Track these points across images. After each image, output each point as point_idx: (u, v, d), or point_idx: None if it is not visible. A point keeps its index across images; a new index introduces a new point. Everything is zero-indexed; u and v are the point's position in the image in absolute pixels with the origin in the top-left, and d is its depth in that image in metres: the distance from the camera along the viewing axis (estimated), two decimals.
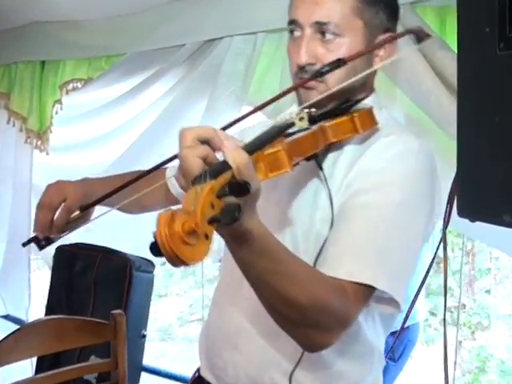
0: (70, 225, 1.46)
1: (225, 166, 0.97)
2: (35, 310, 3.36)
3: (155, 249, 0.83)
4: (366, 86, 1.38)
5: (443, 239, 1.48)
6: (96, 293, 2.63)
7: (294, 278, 1.10)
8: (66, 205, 1.44)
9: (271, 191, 1.36)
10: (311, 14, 1.29)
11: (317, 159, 1.30)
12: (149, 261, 2.68)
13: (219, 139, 1.02)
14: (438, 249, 1.50)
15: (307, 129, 1.19)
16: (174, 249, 0.81)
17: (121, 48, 2.82)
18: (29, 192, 3.18)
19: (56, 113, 3.05)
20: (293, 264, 1.12)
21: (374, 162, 1.27)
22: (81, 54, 2.96)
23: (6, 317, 3.49)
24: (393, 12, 1.36)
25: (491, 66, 1.28)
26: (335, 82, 1.28)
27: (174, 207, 0.86)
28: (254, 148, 1.05)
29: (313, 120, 1.22)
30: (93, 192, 1.48)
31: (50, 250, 2.55)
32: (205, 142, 1.02)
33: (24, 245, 1.47)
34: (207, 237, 0.86)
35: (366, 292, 1.18)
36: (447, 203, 1.46)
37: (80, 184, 1.52)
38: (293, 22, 1.33)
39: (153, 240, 0.82)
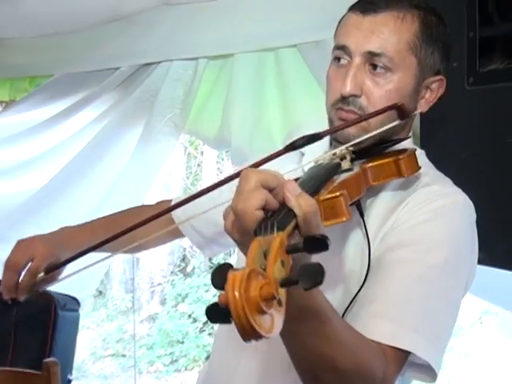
0: (37, 286, 1.47)
1: (290, 214, 0.90)
2: None
3: (220, 314, 0.72)
4: (406, 127, 1.37)
5: None
6: (16, 336, 2.56)
7: (339, 341, 1.04)
8: (32, 267, 1.45)
9: None
10: (365, 42, 1.27)
11: (358, 205, 1.25)
12: (74, 298, 2.64)
13: (281, 184, 0.95)
14: None
15: (350, 169, 1.17)
16: (250, 318, 0.70)
17: (47, 69, 2.80)
18: None
19: None
20: (337, 325, 1.05)
21: (416, 214, 1.24)
22: (1, 74, 2.91)
23: None
24: (447, 54, 1.35)
25: (460, 100, 1.36)
26: (377, 120, 1.27)
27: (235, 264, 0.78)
28: (311, 192, 0.98)
29: (352, 159, 1.21)
30: (62, 252, 1.48)
31: None
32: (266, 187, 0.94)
33: None
34: (281, 303, 0.76)
35: (404, 357, 1.17)
36: None
37: (50, 241, 1.51)
38: (341, 48, 1.30)
39: (218, 302, 0.72)
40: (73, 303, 2.62)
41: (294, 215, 0.90)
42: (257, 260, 0.77)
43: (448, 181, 1.35)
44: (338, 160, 1.18)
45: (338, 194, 1.01)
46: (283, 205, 0.91)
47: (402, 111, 1.26)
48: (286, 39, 2.21)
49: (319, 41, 2.10)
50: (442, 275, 1.20)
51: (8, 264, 1.45)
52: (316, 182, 1.05)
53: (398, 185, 1.30)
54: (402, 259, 1.20)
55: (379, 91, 1.27)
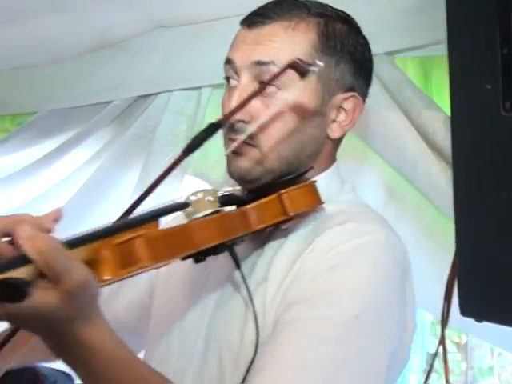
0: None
1: (23, 258, 0.93)
2: None
3: None
4: (319, 157, 1.32)
5: (442, 342, 1.47)
6: None
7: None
8: None
9: (196, 295, 1.32)
10: (251, 54, 1.25)
11: (232, 253, 1.20)
12: (67, 374, 2.58)
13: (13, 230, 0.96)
14: (435, 355, 1.49)
15: (217, 212, 1.15)
16: None
17: (30, 105, 2.80)
18: None
19: None
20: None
21: (322, 260, 1.17)
22: None
23: None
24: (361, 67, 1.33)
25: (495, 130, 1.29)
26: (271, 148, 1.24)
27: None
28: (101, 233, 1.01)
29: (238, 201, 1.19)
30: None
31: None
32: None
33: None
34: None
35: None
36: (445, 298, 1.45)
37: None
38: (228, 63, 1.30)
39: None
40: (65, 379, 2.57)
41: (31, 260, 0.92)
42: None
43: (373, 219, 1.27)
44: (189, 201, 1.14)
45: (134, 235, 1.01)
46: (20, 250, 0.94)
47: (297, 68, 1.19)
48: None
49: None
50: (353, 334, 1.12)
51: None
52: (118, 225, 1.05)
53: (309, 226, 1.25)
54: (300, 317, 1.12)
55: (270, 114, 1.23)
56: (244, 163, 1.25)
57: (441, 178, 1.81)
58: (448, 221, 1.76)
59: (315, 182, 1.23)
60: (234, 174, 1.28)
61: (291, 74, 1.20)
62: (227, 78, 1.31)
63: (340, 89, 1.29)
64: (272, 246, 1.26)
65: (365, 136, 2.00)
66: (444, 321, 1.46)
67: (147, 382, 1.06)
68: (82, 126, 2.69)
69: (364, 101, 1.34)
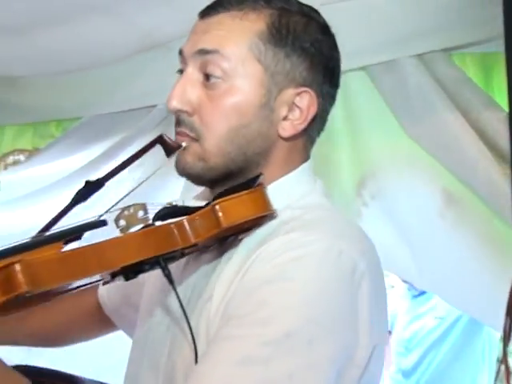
0: None
1: None
2: None
3: None
4: (272, 158, 1.27)
5: (504, 360, 1.41)
6: None
7: None
8: None
9: (163, 303, 1.30)
10: (197, 42, 1.23)
11: (164, 270, 1.15)
12: None
13: None
14: (497, 374, 1.44)
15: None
16: None
17: (74, 111, 2.80)
18: None
19: None
20: None
21: (258, 273, 1.12)
22: (23, 119, 2.94)
23: None
24: (319, 63, 1.27)
25: None
26: (212, 143, 1.21)
27: None
28: None
29: (177, 214, 1.17)
30: None
31: None
32: None
33: None
34: None
35: None
36: (507, 313, 1.40)
37: None
38: (180, 54, 1.28)
39: None
40: None
41: None
42: None
43: (324, 226, 1.20)
44: (104, 218, 1.16)
45: (9, 262, 1.02)
46: None
47: (165, 145, 1.21)
48: (352, 61, 2.13)
49: (388, 61, 2.02)
50: (284, 353, 1.05)
51: None
52: (13, 247, 1.07)
53: (260, 235, 1.19)
54: (228, 335, 1.08)
55: (213, 108, 1.21)
56: (187, 157, 1.23)
57: (501, 183, 1.76)
58: (510, 229, 1.71)
59: (262, 187, 1.19)
60: (178, 170, 1.26)
61: (238, 64, 1.21)
62: (180, 71, 1.29)
63: (290, 83, 1.24)
64: (226, 256, 1.23)
65: (418, 138, 1.96)
66: (506, 337, 1.40)
67: None
68: (127, 132, 2.68)
69: (327, 100, 1.29)
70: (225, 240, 1.23)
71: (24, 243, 1.09)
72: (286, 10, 1.25)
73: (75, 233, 1.13)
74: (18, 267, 1.01)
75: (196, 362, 1.12)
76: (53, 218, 1.23)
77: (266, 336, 1.05)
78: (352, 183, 2.19)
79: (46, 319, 1.56)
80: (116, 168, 1.27)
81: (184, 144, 1.22)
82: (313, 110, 1.25)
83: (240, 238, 1.21)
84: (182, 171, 1.25)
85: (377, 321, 1.16)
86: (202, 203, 1.18)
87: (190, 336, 1.14)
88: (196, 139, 1.23)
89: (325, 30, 1.29)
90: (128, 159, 1.26)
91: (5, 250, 1.07)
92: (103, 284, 1.20)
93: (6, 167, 2.96)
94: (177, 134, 1.25)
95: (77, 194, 1.25)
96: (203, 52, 1.21)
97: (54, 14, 2.38)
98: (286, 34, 1.23)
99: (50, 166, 2.89)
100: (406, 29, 1.72)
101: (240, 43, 1.21)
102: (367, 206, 2.13)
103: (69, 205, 1.25)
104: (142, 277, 1.18)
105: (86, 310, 1.62)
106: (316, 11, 1.30)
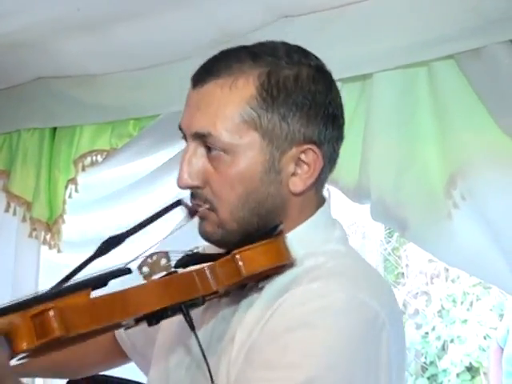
0: None
1: None
2: None
3: None
4: (288, 211, 1.34)
5: None
6: None
7: None
8: None
9: (169, 349, 1.43)
10: (192, 122, 1.30)
11: (186, 316, 1.26)
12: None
13: None
14: None
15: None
16: None
17: (152, 108, 2.82)
18: None
19: (70, 196, 3.04)
20: None
21: (282, 321, 1.22)
22: (101, 118, 2.97)
23: None
24: (317, 115, 1.30)
25: None
26: (226, 212, 1.30)
27: None
28: (20, 305, 1.15)
29: (198, 261, 1.29)
30: None
31: None
32: None
33: None
34: None
35: None
36: None
37: None
38: (179, 127, 1.35)
39: None
40: None
41: None
42: None
43: (345, 276, 1.28)
44: (129, 267, 1.25)
45: (43, 308, 1.13)
46: None
47: (185, 207, 1.31)
48: (439, 49, 2.08)
49: (478, 48, 1.96)
50: None
51: None
52: (42, 295, 1.18)
53: (283, 283, 1.28)
54: (252, 378, 1.19)
55: (220, 179, 1.29)
56: (206, 227, 1.32)
57: None
58: None
59: (282, 236, 1.30)
60: (202, 237, 1.35)
61: (234, 137, 1.28)
62: (184, 137, 1.36)
63: (291, 144, 1.30)
64: (246, 302, 1.32)
65: None
66: None
67: None
68: None
69: (333, 143, 1.35)
70: (244, 286, 1.32)
71: (55, 290, 1.21)
72: (274, 64, 1.29)
73: (102, 280, 1.24)
74: (51, 313, 1.12)
75: None
76: (75, 268, 1.32)
77: (290, 380, 1.16)
78: (441, 182, 2.14)
79: (59, 353, 1.61)
80: (137, 225, 1.35)
81: (200, 209, 1.32)
82: (319, 164, 1.31)
83: (260, 285, 1.31)
84: (206, 239, 1.35)
85: (396, 366, 1.26)
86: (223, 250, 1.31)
87: (209, 377, 1.24)
88: (212, 210, 1.31)
89: (317, 73, 1.32)
90: (149, 218, 1.36)
91: (38, 296, 1.18)
92: (125, 329, 1.33)
93: (83, 168, 3.00)
94: (194, 206, 1.33)
95: (99, 248, 1.34)
96: (198, 135, 1.29)
97: (130, 10, 2.43)
98: (277, 93, 1.28)
99: (129, 166, 2.95)
100: (491, 13, 1.65)
101: (233, 116, 1.27)
102: (457, 207, 2.08)
103: (91, 257, 1.34)
104: None
105: (101, 344, 1.70)
106: (305, 53, 1.34)
